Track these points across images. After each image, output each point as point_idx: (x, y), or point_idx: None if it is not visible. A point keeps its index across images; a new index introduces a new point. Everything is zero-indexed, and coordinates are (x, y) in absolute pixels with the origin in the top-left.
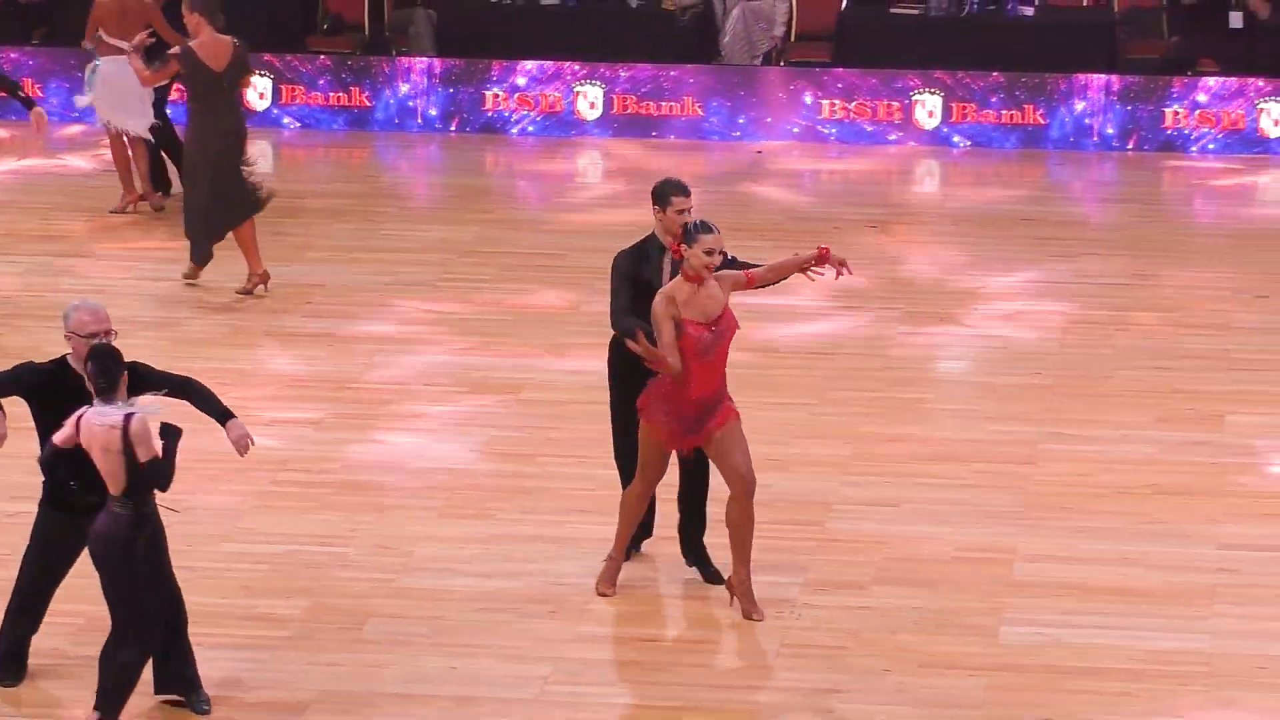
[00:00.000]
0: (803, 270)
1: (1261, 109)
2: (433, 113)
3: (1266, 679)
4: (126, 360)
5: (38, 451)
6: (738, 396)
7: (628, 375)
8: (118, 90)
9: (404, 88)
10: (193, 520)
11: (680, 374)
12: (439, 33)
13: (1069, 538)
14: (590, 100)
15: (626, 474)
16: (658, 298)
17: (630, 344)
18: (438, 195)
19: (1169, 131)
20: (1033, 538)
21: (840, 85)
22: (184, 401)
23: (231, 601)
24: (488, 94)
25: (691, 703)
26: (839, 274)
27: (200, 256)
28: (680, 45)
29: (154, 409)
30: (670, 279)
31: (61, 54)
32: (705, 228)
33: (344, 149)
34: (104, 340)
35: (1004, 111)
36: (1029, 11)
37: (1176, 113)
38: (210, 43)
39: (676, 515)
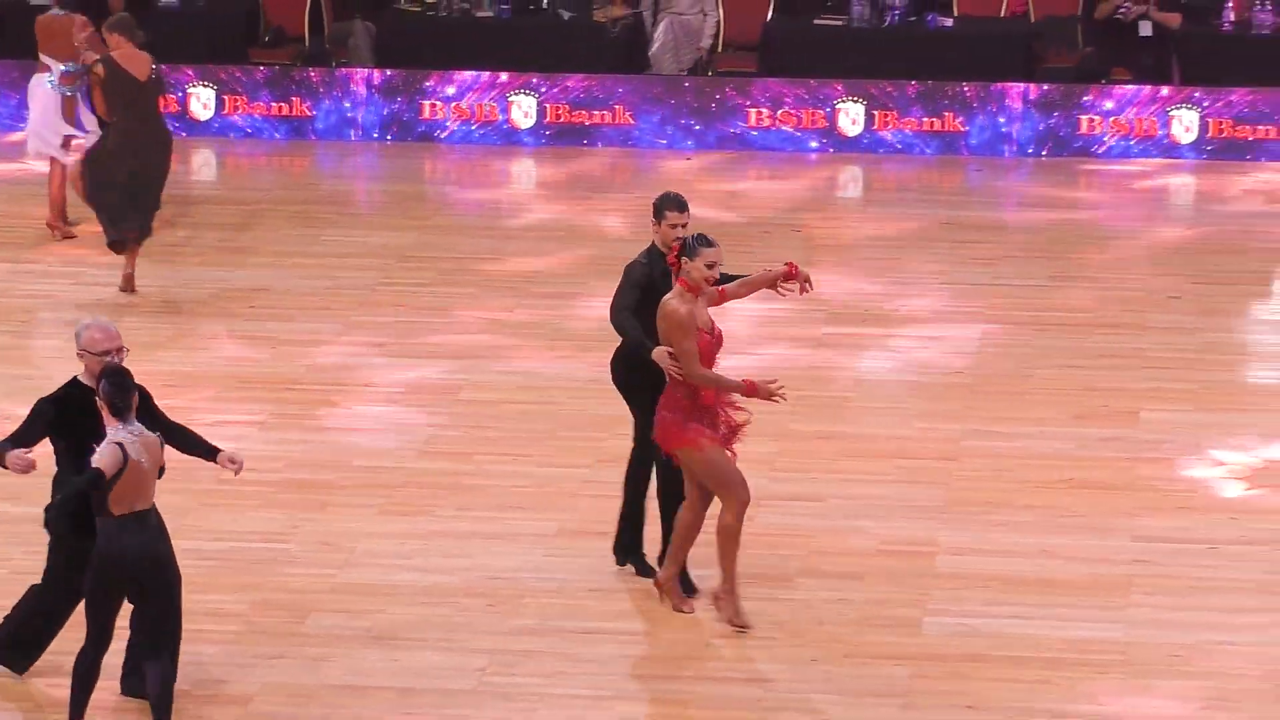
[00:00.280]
0: (772, 286)
1: (1172, 116)
2: (372, 122)
3: (1180, 666)
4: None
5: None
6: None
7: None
8: (41, 111)
9: (344, 98)
10: None
11: (701, 382)
12: (377, 44)
13: (990, 531)
14: (524, 110)
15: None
16: (676, 311)
17: (658, 360)
18: (377, 202)
19: (1083, 138)
20: (955, 532)
21: (766, 94)
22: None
23: None
24: (425, 104)
25: (623, 692)
26: (803, 290)
27: (116, 239)
28: (611, 56)
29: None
30: None
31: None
32: (706, 241)
33: (286, 157)
34: (116, 358)
35: (924, 119)
36: (948, 23)
37: (1091, 120)
38: (130, 54)
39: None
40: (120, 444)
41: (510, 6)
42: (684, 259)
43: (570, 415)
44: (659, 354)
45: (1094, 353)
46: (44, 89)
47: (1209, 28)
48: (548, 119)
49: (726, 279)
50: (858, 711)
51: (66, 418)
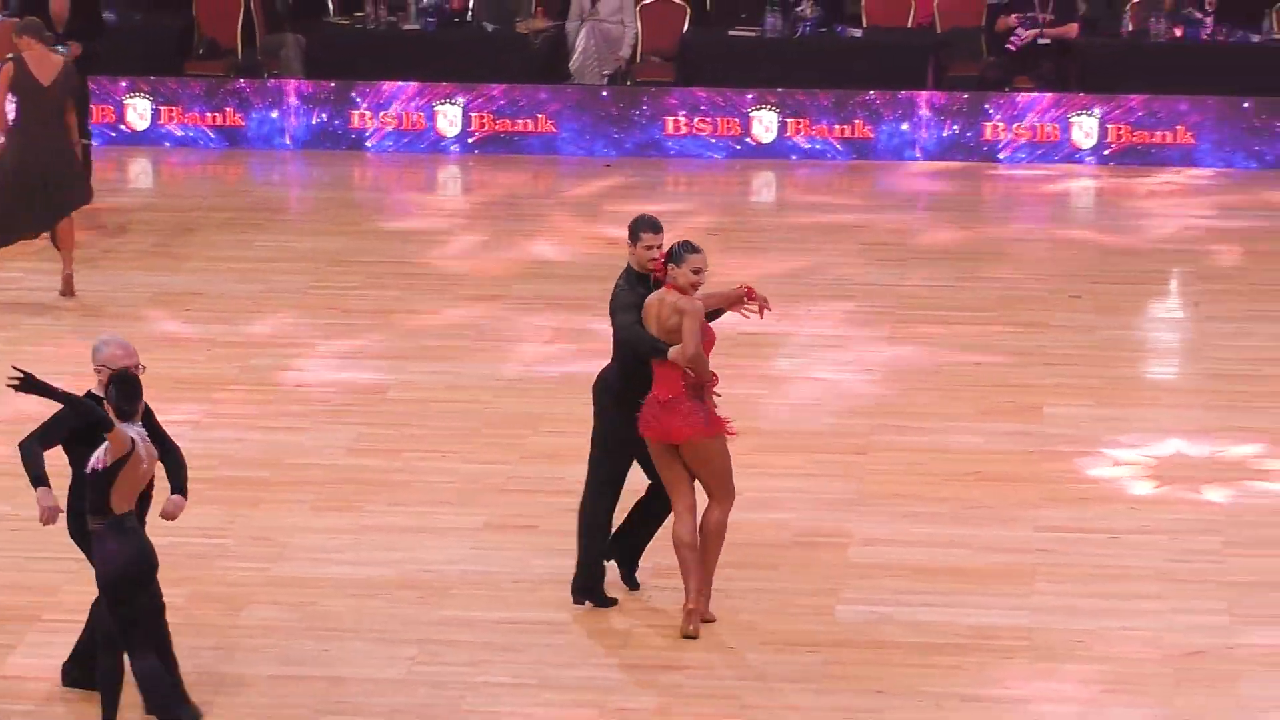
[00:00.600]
0: (734, 308)
1: (1073, 122)
2: (302, 131)
3: (1082, 651)
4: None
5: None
6: (581, 395)
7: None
8: None
9: (275, 108)
10: None
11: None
12: (307, 56)
13: (900, 522)
14: (450, 119)
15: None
16: (694, 300)
17: (674, 358)
18: (308, 208)
19: (988, 144)
20: (867, 523)
21: (683, 103)
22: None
23: None
24: (354, 113)
25: (548, 680)
26: (761, 313)
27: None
28: (534, 66)
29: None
30: None
31: None
32: (691, 248)
33: (220, 166)
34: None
35: (835, 126)
36: (857, 33)
37: (994, 126)
38: (39, 58)
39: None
40: (131, 437)
41: (436, 20)
42: (671, 265)
43: (495, 414)
44: (676, 360)
45: (999, 350)
46: None
47: (1107, 37)
48: (473, 127)
49: None
50: (773, 697)
51: (82, 429)
